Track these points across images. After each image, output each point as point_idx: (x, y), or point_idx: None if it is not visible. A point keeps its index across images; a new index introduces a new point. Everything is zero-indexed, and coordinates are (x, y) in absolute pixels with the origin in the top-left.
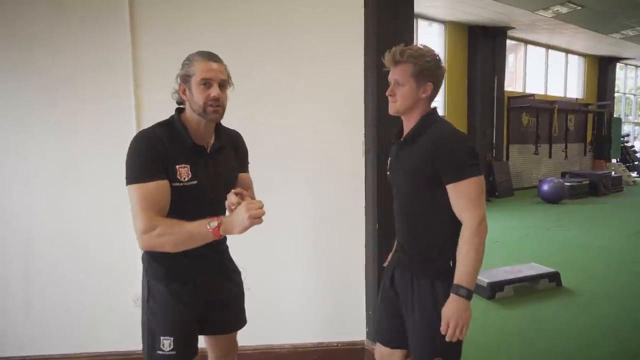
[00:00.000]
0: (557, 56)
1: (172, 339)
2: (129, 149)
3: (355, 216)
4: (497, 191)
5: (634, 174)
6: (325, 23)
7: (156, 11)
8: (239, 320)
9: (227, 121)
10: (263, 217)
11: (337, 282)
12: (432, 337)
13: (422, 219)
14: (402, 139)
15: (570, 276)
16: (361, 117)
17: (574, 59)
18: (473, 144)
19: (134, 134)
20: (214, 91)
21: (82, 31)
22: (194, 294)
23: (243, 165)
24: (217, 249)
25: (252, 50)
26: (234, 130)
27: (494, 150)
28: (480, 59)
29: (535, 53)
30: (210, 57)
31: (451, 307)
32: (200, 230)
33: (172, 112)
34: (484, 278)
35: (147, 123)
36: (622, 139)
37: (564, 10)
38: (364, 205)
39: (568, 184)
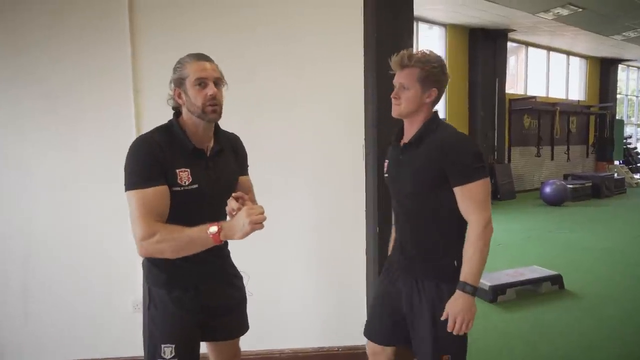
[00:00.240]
0: (558, 58)
1: (173, 346)
2: (127, 154)
3: (355, 218)
4: (499, 194)
5: (637, 176)
6: (325, 25)
7: (156, 18)
8: (242, 326)
9: (228, 124)
10: (264, 222)
11: (337, 285)
12: (440, 336)
13: (426, 219)
14: (405, 142)
15: (573, 279)
16: (361, 118)
17: (575, 61)
18: (479, 147)
19: None
20: (211, 89)
21: (82, 39)
22: (196, 300)
23: (243, 168)
24: (219, 254)
25: (254, 55)
26: (232, 133)
27: (495, 153)
28: (481, 61)
29: (536, 55)
30: (201, 57)
31: (458, 304)
32: (200, 235)
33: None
34: (486, 281)
35: (147, 130)
36: (624, 140)
37: (564, 12)
38: (364, 207)
39: (570, 186)
